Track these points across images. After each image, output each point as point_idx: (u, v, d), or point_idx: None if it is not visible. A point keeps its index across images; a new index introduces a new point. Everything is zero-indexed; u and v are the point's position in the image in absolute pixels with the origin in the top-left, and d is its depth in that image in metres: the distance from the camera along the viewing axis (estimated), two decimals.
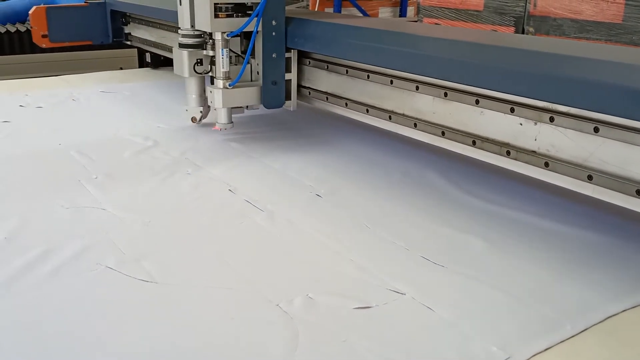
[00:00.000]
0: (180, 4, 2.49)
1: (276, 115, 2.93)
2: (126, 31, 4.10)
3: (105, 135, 2.64)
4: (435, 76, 1.96)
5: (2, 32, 5.12)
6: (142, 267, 1.50)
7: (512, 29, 5.27)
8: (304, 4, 8.07)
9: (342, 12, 7.67)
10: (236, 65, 2.53)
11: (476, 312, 1.34)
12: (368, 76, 2.27)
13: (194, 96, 2.66)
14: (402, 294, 1.40)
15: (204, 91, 2.62)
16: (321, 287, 1.43)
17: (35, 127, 2.73)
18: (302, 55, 2.64)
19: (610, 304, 1.37)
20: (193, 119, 2.69)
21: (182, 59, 2.54)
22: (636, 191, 1.44)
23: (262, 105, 2.56)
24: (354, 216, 1.83)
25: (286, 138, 2.62)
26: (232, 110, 2.54)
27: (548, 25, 4.92)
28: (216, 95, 2.46)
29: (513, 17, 5.21)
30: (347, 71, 2.38)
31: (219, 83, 2.46)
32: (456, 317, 1.31)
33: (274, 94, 2.54)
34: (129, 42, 4.13)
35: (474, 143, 1.85)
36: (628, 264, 1.56)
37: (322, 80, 2.59)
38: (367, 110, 2.30)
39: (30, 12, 3.66)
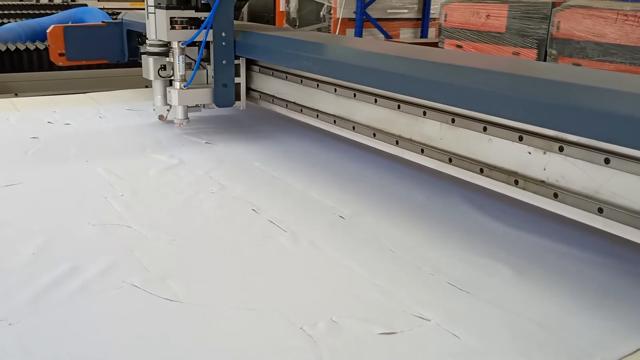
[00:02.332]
0: (148, 18, 2.93)
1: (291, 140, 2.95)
2: (142, 50, 4.13)
3: (131, 152, 2.67)
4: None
5: (32, 49, 5.23)
6: (167, 286, 1.51)
7: (535, 51, 5.27)
8: (325, 24, 8.15)
9: (364, 33, 7.73)
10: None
11: (503, 340, 1.32)
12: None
13: (159, 97, 3.07)
14: (427, 320, 1.39)
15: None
16: (345, 311, 1.43)
17: (63, 143, 2.77)
18: (251, 62, 3.10)
19: None
20: (160, 117, 3.10)
21: (148, 65, 2.99)
22: None
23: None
24: (377, 239, 1.82)
25: (308, 159, 2.63)
26: (187, 108, 2.96)
27: (571, 48, 4.91)
28: (173, 94, 2.91)
29: (536, 39, 5.22)
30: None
31: (176, 84, 2.90)
32: (482, 345, 1.30)
33: (224, 94, 2.97)
34: None
35: (481, 171, 1.82)
36: None
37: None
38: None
39: (48, 31, 3.70)
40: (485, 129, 1.80)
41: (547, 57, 5.13)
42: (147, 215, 1.96)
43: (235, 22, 2.92)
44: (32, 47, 5.26)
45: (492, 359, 1.26)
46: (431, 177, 2.34)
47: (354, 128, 2.39)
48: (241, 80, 3.07)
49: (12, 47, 5.26)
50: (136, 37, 4.10)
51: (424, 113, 2.02)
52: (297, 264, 1.67)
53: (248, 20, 10.72)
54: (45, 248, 1.70)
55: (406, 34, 8.34)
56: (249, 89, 3.16)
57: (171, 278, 1.55)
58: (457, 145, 1.92)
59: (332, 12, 7.90)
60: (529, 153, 1.68)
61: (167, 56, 2.94)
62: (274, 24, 9.04)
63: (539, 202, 1.66)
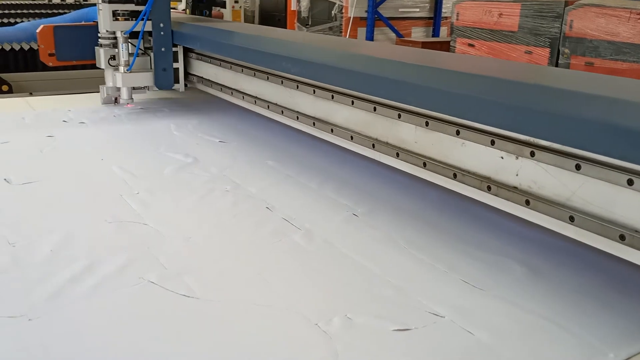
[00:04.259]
0: (99, 14, 3.36)
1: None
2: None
3: (145, 151, 2.70)
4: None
5: None
6: (184, 283, 1.53)
7: (547, 50, 5.25)
8: (337, 23, 8.16)
9: (376, 32, 7.74)
10: (141, 57, 3.47)
11: (517, 337, 1.33)
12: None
13: (110, 84, 3.49)
14: (441, 316, 1.40)
15: None
16: (360, 307, 1.44)
17: (78, 142, 2.80)
18: (189, 50, 3.64)
19: None
20: (115, 100, 3.57)
21: (100, 55, 3.44)
22: (620, 236, 1.36)
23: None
24: (391, 237, 1.83)
25: (314, 157, 2.64)
26: (132, 89, 3.48)
27: (584, 47, 4.89)
28: (118, 77, 3.40)
29: (548, 38, 5.20)
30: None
31: (121, 69, 3.39)
32: (496, 342, 1.31)
33: (164, 78, 3.48)
34: None
35: (454, 176, 1.80)
36: None
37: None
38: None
39: (37, 31, 3.70)
40: (458, 133, 1.78)
41: (560, 56, 5.12)
42: (162, 212, 1.99)
43: (178, 15, 3.37)
44: None
45: (505, 356, 1.27)
46: None
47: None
48: (179, 65, 3.59)
49: (26, 47, 5.31)
50: None
51: (399, 116, 2.01)
52: (312, 261, 1.69)
53: (259, 20, 10.74)
54: (62, 245, 1.72)
55: (418, 32, 8.34)
56: (187, 74, 3.71)
57: (188, 275, 1.57)
58: (431, 149, 1.91)
59: (343, 11, 7.91)
60: (502, 158, 1.66)
61: (116, 47, 3.36)
62: (285, 23, 9.06)
63: (511, 209, 1.65)
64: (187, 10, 4.54)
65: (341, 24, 8.00)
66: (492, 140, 1.67)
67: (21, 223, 1.88)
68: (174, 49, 3.48)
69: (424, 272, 1.62)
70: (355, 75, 2.06)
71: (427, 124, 1.89)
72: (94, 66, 4.45)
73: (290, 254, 1.73)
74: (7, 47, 5.28)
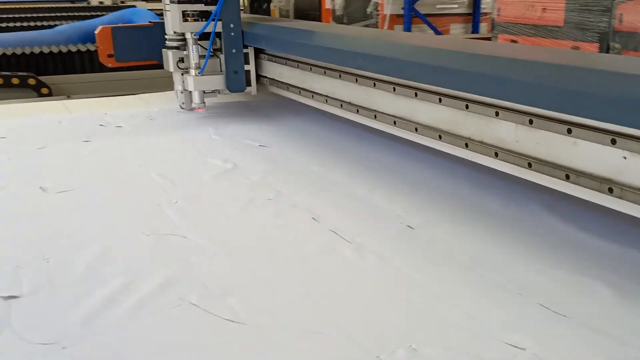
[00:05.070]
0: (165, 15, 3.23)
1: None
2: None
3: (184, 156, 2.58)
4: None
5: (83, 51, 5.26)
6: (228, 305, 1.39)
7: (596, 45, 5.00)
8: (373, 21, 8.00)
9: (413, 30, 7.54)
10: (211, 59, 3.22)
11: None
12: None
13: (179, 87, 3.31)
14: (521, 349, 1.22)
15: None
16: (425, 336, 1.28)
17: (115, 147, 2.70)
18: (260, 51, 3.39)
19: None
20: (181, 105, 3.37)
21: (168, 57, 3.26)
22: None
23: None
24: (452, 253, 1.66)
25: (368, 162, 2.48)
26: (204, 93, 3.24)
27: (636, 41, 4.62)
28: (189, 80, 3.19)
29: (597, 32, 4.93)
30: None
31: (192, 72, 3.17)
32: None
33: (235, 80, 3.26)
34: None
35: (567, 177, 1.63)
36: None
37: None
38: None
39: (96, 32, 3.65)
40: (569, 131, 1.61)
41: (610, 51, 4.87)
42: (202, 224, 1.86)
43: (245, 15, 3.12)
44: (83, 48, 5.30)
45: None
46: (504, 182, 2.15)
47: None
48: (251, 67, 3.36)
49: (64, 49, 5.30)
50: None
51: (497, 113, 1.85)
52: (366, 281, 1.53)
53: (294, 18, 10.62)
54: (99, 260, 1.60)
55: (457, 29, 8.11)
56: (259, 76, 3.47)
57: (231, 295, 1.43)
58: (536, 149, 1.74)
59: (379, 8, 7.73)
60: (624, 158, 1.49)
61: (185, 49, 3.19)
62: (320, 22, 8.92)
63: (637, 213, 1.47)
64: (245, 1, 4.39)
65: (377, 22, 7.82)
66: (612, 139, 1.50)
67: (57, 235, 1.78)
68: (245, 51, 3.29)
69: (495, 294, 1.44)
70: (447, 72, 1.92)
71: (530, 122, 1.73)
72: (133, 68, 4.41)
73: (341, 272, 1.57)
74: (46, 50, 5.28)
